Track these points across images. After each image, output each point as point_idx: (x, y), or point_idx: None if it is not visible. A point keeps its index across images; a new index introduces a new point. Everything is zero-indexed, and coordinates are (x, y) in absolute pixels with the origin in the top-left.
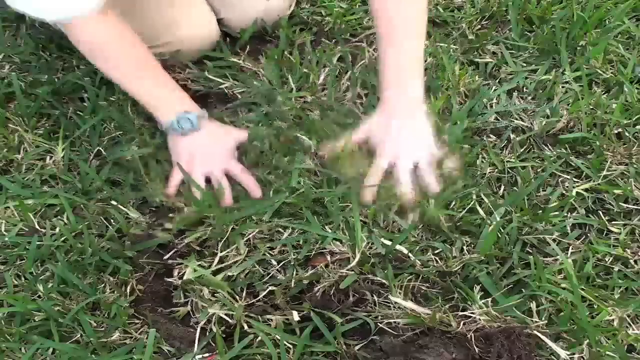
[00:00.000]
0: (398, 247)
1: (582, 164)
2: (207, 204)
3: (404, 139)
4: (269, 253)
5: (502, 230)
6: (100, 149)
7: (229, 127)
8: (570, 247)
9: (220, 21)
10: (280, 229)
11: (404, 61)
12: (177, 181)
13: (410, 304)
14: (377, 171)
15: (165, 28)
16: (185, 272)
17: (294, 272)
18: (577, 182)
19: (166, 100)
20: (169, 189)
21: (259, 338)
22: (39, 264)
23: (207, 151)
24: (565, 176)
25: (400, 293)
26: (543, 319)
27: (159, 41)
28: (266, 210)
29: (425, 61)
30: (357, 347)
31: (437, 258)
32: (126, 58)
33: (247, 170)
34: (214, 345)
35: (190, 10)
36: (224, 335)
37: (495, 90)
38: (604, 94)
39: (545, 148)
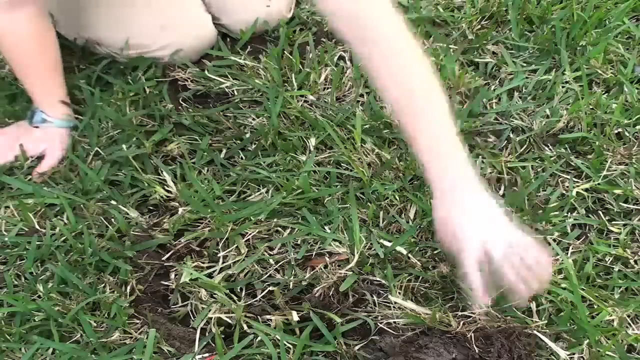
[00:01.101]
0: (397, 247)
1: (582, 164)
2: (203, 203)
3: (478, 220)
4: (267, 253)
5: None
6: (99, 149)
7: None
8: (570, 247)
9: (220, 25)
10: (279, 229)
11: (435, 131)
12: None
13: (410, 304)
14: (474, 274)
15: (159, 32)
16: (181, 274)
17: (292, 272)
18: (577, 182)
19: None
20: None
21: (259, 338)
22: (39, 264)
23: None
24: (565, 176)
25: (400, 293)
26: (543, 319)
27: (155, 46)
28: (262, 210)
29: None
30: (357, 347)
31: (436, 258)
32: (24, 57)
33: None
34: (213, 345)
35: (183, 12)
36: (223, 336)
37: (495, 90)
38: (604, 94)
39: (545, 148)
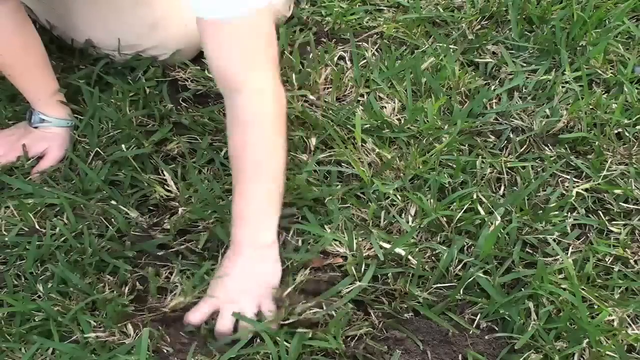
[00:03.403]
0: (396, 249)
1: (582, 164)
2: (205, 203)
3: (240, 283)
4: None
5: (502, 231)
6: (99, 149)
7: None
8: (570, 247)
9: None
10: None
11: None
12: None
13: None
14: (202, 307)
15: (149, 31)
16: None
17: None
18: (577, 182)
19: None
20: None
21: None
22: (39, 264)
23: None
24: (565, 176)
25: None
26: (542, 318)
27: (146, 45)
28: None
29: (424, 62)
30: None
31: (435, 259)
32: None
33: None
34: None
35: (172, 10)
36: None
37: (495, 90)
38: (604, 94)
39: (545, 148)
